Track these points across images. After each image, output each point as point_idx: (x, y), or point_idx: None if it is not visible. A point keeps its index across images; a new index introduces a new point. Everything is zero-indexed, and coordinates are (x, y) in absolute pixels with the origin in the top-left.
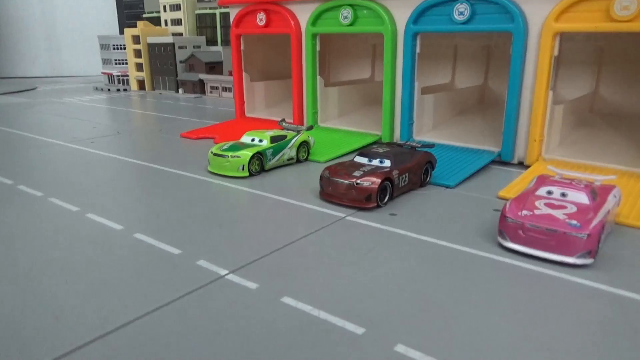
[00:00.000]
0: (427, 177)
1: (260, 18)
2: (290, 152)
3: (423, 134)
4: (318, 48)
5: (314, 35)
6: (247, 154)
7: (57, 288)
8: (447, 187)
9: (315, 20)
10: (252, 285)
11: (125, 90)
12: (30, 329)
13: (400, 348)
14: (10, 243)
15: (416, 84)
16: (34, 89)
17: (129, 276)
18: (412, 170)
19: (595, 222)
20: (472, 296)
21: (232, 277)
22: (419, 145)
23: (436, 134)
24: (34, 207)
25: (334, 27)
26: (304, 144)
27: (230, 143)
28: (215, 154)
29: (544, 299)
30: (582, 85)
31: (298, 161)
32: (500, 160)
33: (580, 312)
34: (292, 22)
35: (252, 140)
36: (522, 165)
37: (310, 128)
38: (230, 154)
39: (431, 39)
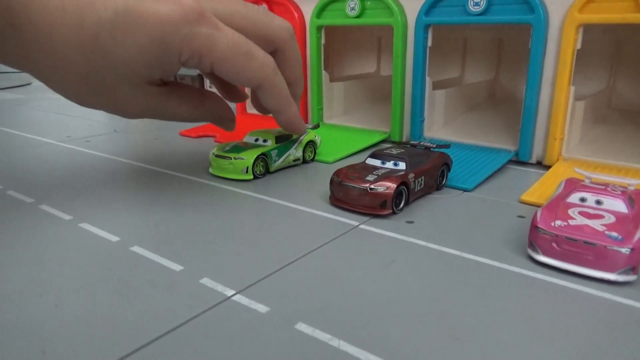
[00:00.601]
0: (443, 179)
1: None
2: (296, 152)
3: (434, 132)
4: (323, 41)
5: (319, 28)
6: (251, 155)
7: (46, 313)
8: (465, 190)
9: (320, 12)
10: (262, 308)
11: None
12: None
13: None
14: None
15: (427, 79)
16: (28, 84)
17: (124, 300)
18: (428, 173)
19: (638, 234)
20: (508, 320)
21: (239, 298)
22: (434, 146)
23: (448, 132)
24: (24, 216)
25: (340, 19)
26: (311, 144)
27: (233, 143)
28: (217, 155)
29: (592, 324)
30: (598, 80)
31: (304, 162)
32: (517, 160)
33: (633, 341)
34: (296, 14)
35: (256, 140)
36: (540, 165)
37: (316, 127)
38: (233, 155)
39: (439, 32)
